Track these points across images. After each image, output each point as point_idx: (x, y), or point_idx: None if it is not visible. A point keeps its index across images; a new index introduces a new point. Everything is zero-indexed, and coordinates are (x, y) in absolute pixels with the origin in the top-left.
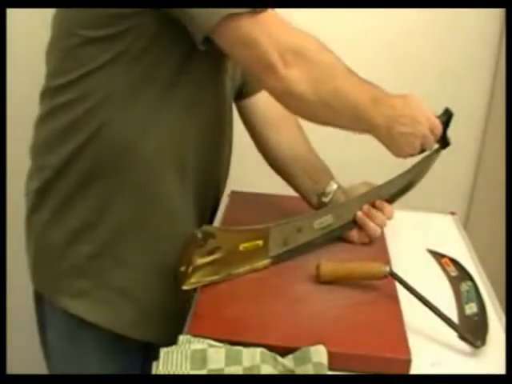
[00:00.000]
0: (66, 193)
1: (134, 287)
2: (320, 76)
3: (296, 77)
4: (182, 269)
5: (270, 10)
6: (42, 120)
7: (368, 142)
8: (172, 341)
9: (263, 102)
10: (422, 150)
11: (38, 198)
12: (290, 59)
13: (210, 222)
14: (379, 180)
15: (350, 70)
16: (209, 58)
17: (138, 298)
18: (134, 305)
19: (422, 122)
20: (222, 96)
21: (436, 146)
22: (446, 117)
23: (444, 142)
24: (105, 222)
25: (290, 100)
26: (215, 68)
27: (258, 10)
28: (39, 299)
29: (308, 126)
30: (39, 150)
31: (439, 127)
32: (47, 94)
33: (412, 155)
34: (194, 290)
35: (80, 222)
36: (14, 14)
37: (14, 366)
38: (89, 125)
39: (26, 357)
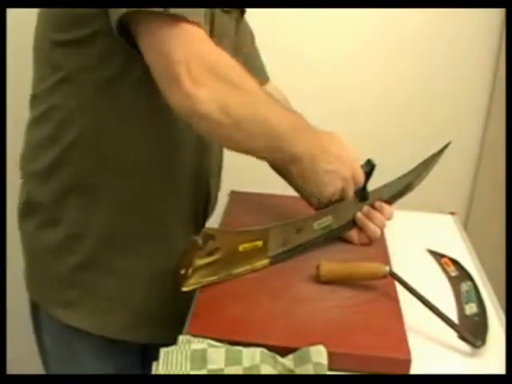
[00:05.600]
0: (49, 205)
1: (123, 293)
2: (234, 98)
3: (203, 95)
4: (182, 271)
5: (194, 25)
6: (28, 127)
7: (369, 143)
8: (166, 340)
9: None
10: (339, 199)
11: (26, 207)
12: (200, 76)
13: (204, 217)
14: (379, 182)
15: (271, 98)
16: None
17: (128, 302)
18: (124, 310)
19: (346, 163)
20: None
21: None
22: (369, 168)
23: (362, 195)
24: (89, 233)
25: (194, 119)
26: None
27: (174, 15)
28: (34, 306)
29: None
30: (23, 159)
31: (361, 175)
32: (30, 102)
33: (330, 201)
34: (190, 291)
35: (65, 233)
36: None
37: (14, 366)
38: (63, 138)
39: (25, 357)
